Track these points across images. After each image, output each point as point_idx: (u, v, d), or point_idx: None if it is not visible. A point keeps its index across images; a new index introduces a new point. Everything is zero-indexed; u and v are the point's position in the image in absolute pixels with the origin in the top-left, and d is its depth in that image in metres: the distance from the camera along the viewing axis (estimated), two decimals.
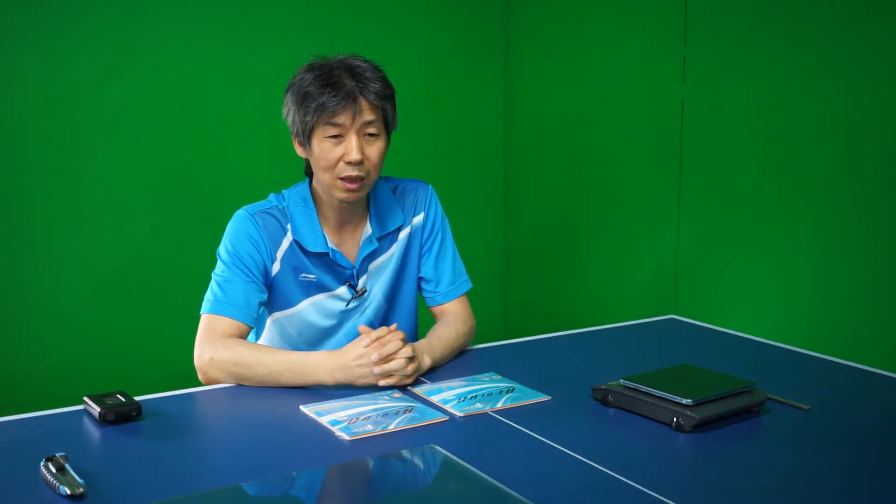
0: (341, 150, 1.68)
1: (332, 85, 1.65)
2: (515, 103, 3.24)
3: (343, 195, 1.73)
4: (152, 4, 2.61)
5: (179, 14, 2.66)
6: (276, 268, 1.79)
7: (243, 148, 2.80)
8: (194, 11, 2.68)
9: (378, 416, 1.45)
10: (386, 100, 1.71)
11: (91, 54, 2.55)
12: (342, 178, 1.70)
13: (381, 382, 1.58)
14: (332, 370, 1.57)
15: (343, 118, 1.66)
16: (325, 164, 1.70)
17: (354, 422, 1.42)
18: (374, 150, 1.71)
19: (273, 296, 1.81)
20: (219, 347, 1.64)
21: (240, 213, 1.79)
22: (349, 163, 1.68)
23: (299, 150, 1.76)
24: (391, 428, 1.40)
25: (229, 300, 1.71)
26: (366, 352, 1.57)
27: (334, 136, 1.68)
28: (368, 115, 1.68)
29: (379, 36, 2.99)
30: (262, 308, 1.85)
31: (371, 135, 1.70)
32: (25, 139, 2.50)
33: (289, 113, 1.73)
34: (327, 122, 1.66)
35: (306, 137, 1.71)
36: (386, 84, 1.72)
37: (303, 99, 1.68)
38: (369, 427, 1.40)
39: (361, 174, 1.70)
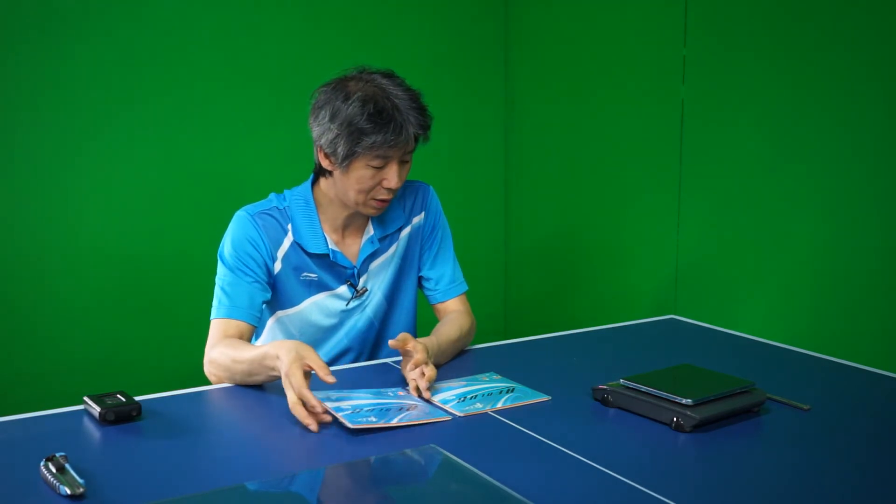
0: (381, 176, 1.72)
1: (386, 124, 1.66)
2: (515, 103, 3.24)
3: (371, 212, 1.78)
4: (154, 4, 2.61)
5: (181, 14, 2.66)
6: (277, 267, 1.79)
7: (245, 150, 2.79)
8: (196, 11, 2.68)
9: (381, 410, 1.46)
10: (428, 129, 1.74)
11: (92, 54, 2.55)
12: (375, 199, 1.75)
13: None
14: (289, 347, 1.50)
15: (394, 152, 1.69)
16: (361, 187, 1.73)
17: (358, 412, 1.44)
18: (406, 170, 1.76)
19: (276, 295, 1.82)
20: (215, 351, 1.67)
21: (239, 215, 1.80)
22: (388, 188, 1.72)
23: (326, 164, 1.75)
24: (394, 423, 1.41)
25: (232, 303, 1.72)
26: (289, 362, 1.47)
27: (378, 167, 1.71)
28: (412, 145, 1.73)
29: (380, 36, 2.99)
30: (264, 307, 1.85)
31: (407, 160, 1.75)
32: (26, 138, 2.50)
33: (326, 133, 1.69)
34: (378, 155, 1.68)
35: (346, 163, 1.70)
36: (426, 112, 1.74)
37: (354, 132, 1.66)
38: (372, 419, 1.41)
39: (393, 196, 1.76)
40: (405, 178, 1.77)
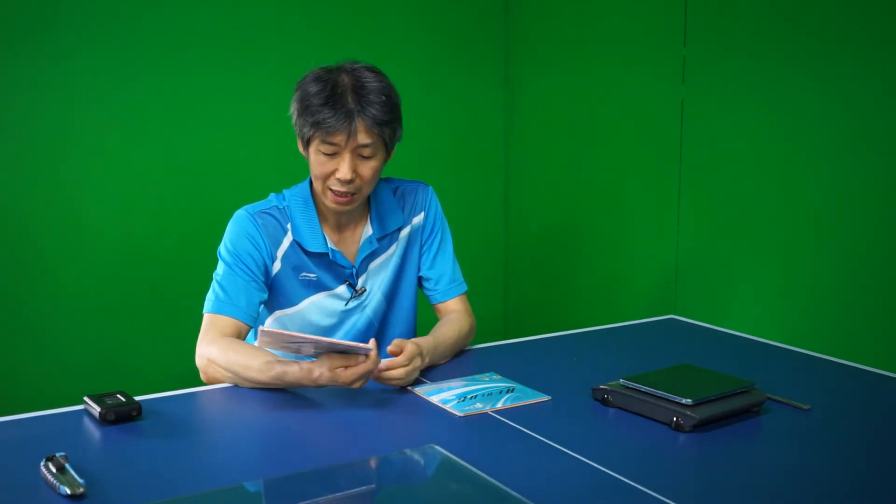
0: (333, 166, 1.69)
1: (332, 104, 1.64)
2: (515, 103, 3.24)
3: (332, 206, 1.75)
4: (153, 5, 2.61)
5: (181, 15, 2.66)
6: (276, 267, 1.79)
7: (244, 148, 2.80)
8: (195, 12, 2.68)
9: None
10: (384, 125, 1.68)
11: (93, 54, 2.55)
12: (332, 190, 1.72)
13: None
14: (313, 384, 1.54)
15: (338, 139, 1.66)
16: (317, 173, 1.72)
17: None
18: (368, 168, 1.71)
19: (275, 295, 1.82)
20: (215, 349, 1.65)
21: (239, 213, 1.80)
22: (338, 179, 1.69)
23: (300, 147, 1.77)
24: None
25: (230, 299, 1.72)
26: (337, 379, 1.51)
27: (328, 154, 1.68)
28: (364, 139, 1.67)
29: (379, 36, 2.99)
30: (262, 307, 1.85)
31: (365, 156, 1.70)
32: (27, 137, 2.50)
33: (293, 113, 1.74)
34: (323, 139, 1.67)
35: (304, 144, 1.73)
36: (387, 109, 1.68)
37: (304, 109, 1.68)
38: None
39: (352, 191, 1.71)
40: (369, 176, 1.71)
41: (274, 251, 1.78)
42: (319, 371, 1.50)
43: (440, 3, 3.12)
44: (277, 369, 1.55)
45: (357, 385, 1.52)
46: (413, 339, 1.66)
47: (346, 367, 1.50)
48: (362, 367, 1.50)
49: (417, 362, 1.63)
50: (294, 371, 1.53)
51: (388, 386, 1.61)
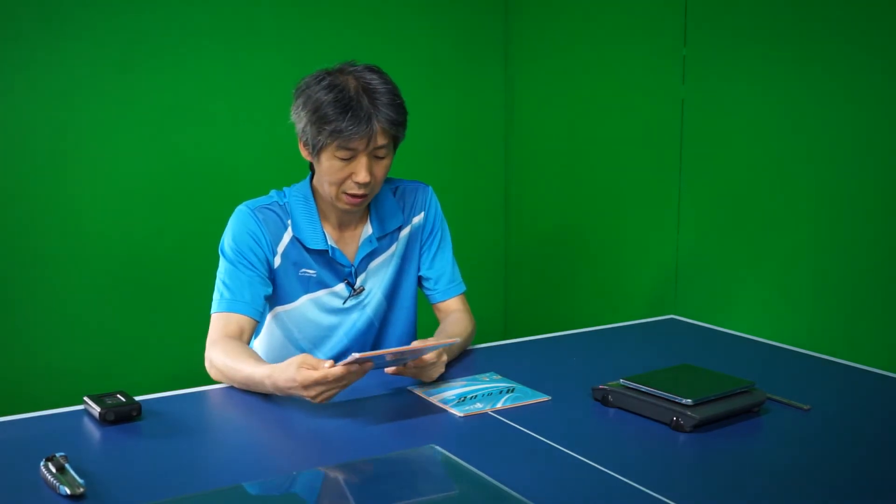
0: (350, 170, 1.69)
1: (351, 111, 1.64)
2: (515, 103, 3.24)
3: (345, 207, 1.76)
4: (153, 4, 2.61)
5: (180, 13, 2.66)
6: (277, 262, 1.79)
7: (244, 147, 2.79)
8: (195, 11, 2.68)
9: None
10: (400, 125, 1.71)
11: (92, 53, 2.55)
12: (347, 193, 1.72)
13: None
14: (274, 388, 1.52)
15: (357, 144, 1.66)
16: (331, 179, 1.71)
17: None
18: (381, 168, 1.73)
19: (274, 291, 1.82)
20: (215, 351, 1.65)
21: (240, 209, 1.80)
22: (356, 182, 1.69)
23: (304, 154, 1.76)
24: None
25: (233, 296, 1.72)
26: (296, 376, 1.45)
27: (345, 159, 1.68)
28: (381, 140, 1.68)
29: (379, 36, 2.99)
30: (265, 304, 1.85)
31: (380, 156, 1.71)
32: (25, 137, 2.50)
33: (299, 121, 1.72)
34: (340, 145, 1.67)
35: (315, 151, 1.71)
36: (400, 110, 1.70)
37: (318, 119, 1.66)
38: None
39: (366, 192, 1.72)
40: (381, 175, 1.73)
41: (275, 246, 1.79)
42: (284, 376, 1.46)
43: (440, 3, 3.12)
44: (266, 374, 1.52)
45: (315, 395, 1.44)
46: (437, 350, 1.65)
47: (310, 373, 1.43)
48: (318, 374, 1.42)
49: (444, 357, 1.65)
50: (262, 377, 1.52)
51: (387, 385, 1.62)
